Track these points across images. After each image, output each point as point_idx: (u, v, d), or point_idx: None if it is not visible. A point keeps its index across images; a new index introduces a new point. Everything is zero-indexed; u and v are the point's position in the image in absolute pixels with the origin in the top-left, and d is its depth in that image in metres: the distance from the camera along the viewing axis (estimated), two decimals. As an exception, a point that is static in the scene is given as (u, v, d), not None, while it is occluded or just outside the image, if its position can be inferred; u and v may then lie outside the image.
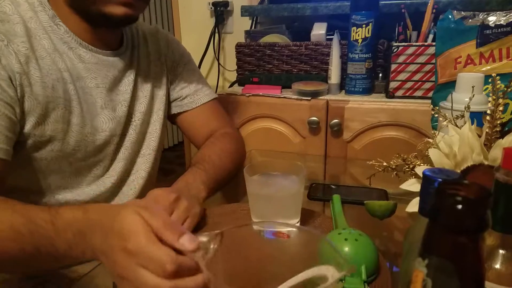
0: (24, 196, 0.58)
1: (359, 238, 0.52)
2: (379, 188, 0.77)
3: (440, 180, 0.37)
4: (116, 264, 0.46)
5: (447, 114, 0.63)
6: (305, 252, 0.41)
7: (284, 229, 0.43)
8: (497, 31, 0.86)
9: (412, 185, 0.58)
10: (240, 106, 1.27)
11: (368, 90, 1.21)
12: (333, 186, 0.84)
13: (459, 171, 0.54)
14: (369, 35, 1.15)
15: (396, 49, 1.11)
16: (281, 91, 1.26)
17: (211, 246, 0.40)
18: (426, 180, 0.39)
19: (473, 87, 0.65)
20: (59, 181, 0.74)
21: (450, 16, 0.89)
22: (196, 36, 1.74)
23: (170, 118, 0.97)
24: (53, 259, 0.52)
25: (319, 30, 1.32)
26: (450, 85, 0.85)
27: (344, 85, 1.24)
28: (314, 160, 1.18)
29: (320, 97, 1.20)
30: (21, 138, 0.67)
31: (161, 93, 0.89)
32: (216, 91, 1.26)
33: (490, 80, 0.59)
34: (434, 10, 1.09)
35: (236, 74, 1.42)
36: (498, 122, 0.57)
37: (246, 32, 1.48)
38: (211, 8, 1.68)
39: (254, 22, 1.63)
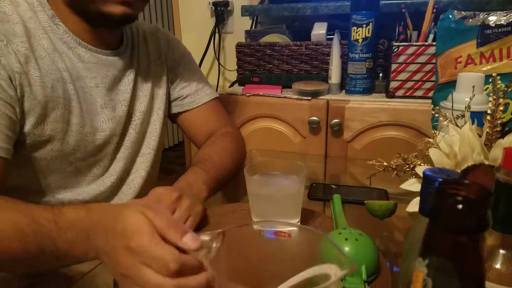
0: (24, 196, 0.58)
1: (360, 238, 0.52)
2: (380, 188, 0.77)
3: (440, 180, 0.37)
4: (119, 263, 0.46)
5: (447, 114, 0.63)
6: (306, 251, 0.41)
7: (286, 228, 0.43)
8: (497, 31, 0.86)
9: (413, 185, 0.58)
10: (240, 106, 1.27)
11: (368, 90, 1.21)
12: (333, 186, 0.84)
13: (459, 171, 0.54)
14: (370, 35, 1.15)
15: (397, 49, 1.11)
16: (281, 91, 1.26)
17: (214, 245, 0.40)
18: (426, 180, 0.39)
19: (473, 87, 0.65)
20: (59, 180, 0.74)
21: (450, 16, 0.89)
22: (196, 36, 1.74)
23: (171, 117, 0.97)
24: (55, 259, 0.52)
25: (319, 30, 1.32)
26: (451, 85, 0.85)
27: (344, 85, 1.24)
28: (314, 160, 1.18)
29: (321, 97, 1.20)
30: (21, 138, 0.67)
31: (161, 92, 0.89)
32: (216, 91, 1.26)
33: (490, 80, 0.59)
34: (434, 10, 1.09)
35: (237, 74, 1.42)
36: (499, 122, 0.57)
37: (247, 32, 1.48)
38: (212, 8, 1.68)
39: (254, 22, 1.63)
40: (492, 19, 0.86)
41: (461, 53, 0.88)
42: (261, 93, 1.25)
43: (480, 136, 0.55)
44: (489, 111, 0.57)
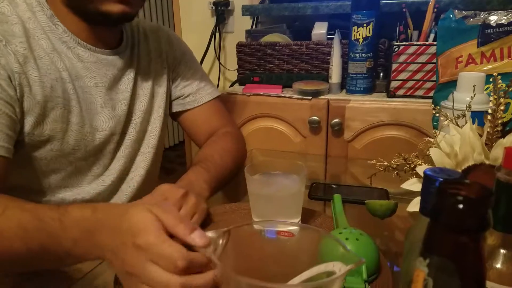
0: (25, 196, 0.58)
1: (360, 238, 0.52)
2: (380, 188, 0.77)
3: (441, 179, 0.37)
4: (125, 261, 0.46)
5: (448, 114, 0.63)
6: (310, 250, 0.41)
7: (289, 228, 0.43)
8: (498, 30, 0.86)
9: (413, 184, 0.58)
10: (240, 106, 1.27)
11: (369, 90, 1.21)
12: (334, 186, 0.84)
13: (460, 170, 0.54)
14: (370, 34, 1.15)
15: (397, 48, 1.11)
16: (282, 91, 1.26)
17: (220, 242, 0.40)
18: (427, 180, 0.39)
19: (474, 86, 0.65)
20: (59, 180, 0.74)
21: (451, 16, 0.89)
22: (197, 35, 1.74)
23: (172, 115, 0.97)
24: (57, 258, 0.52)
25: (320, 30, 1.32)
26: (451, 84, 0.85)
27: (345, 85, 1.24)
28: (315, 160, 1.18)
29: (321, 97, 1.20)
30: (20, 138, 0.67)
31: (161, 91, 0.89)
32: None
33: (491, 80, 0.59)
34: (435, 10, 1.09)
35: (237, 74, 1.42)
36: (499, 121, 0.56)
37: (247, 31, 1.48)
38: (212, 7, 1.68)
39: (255, 21, 1.63)
40: (493, 18, 0.86)
41: (462, 52, 0.88)
42: (261, 93, 1.25)
43: (480, 135, 0.55)
44: (489, 111, 0.57)
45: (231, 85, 1.53)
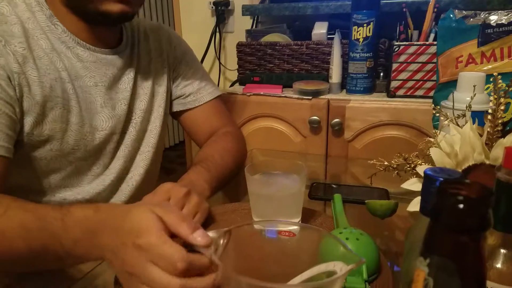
0: (25, 196, 0.58)
1: (360, 238, 0.52)
2: (380, 188, 0.77)
3: (441, 179, 0.37)
4: (125, 261, 0.46)
5: (448, 114, 0.63)
6: (311, 249, 0.41)
7: (289, 228, 0.43)
8: (498, 30, 0.86)
9: (413, 184, 0.58)
10: (241, 106, 1.27)
11: (369, 90, 1.21)
12: (334, 186, 0.84)
13: (460, 170, 0.54)
14: (370, 34, 1.15)
15: (397, 48, 1.11)
16: (282, 91, 1.26)
17: (221, 242, 0.40)
18: (427, 180, 0.39)
19: (474, 86, 0.65)
20: (59, 180, 0.75)
21: (451, 15, 0.89)
22: (197, 35, 1.74)
23: (173, 115, 0.97)
24: (58, 258, 0.52)
25: (320, 29, 1.32)
26: (452, 84, 0.85)
27: (345, 85, 1.24)
28: (315, 160, 1.18)
29: (321, 97, 1.20)
30: (20, 138, 0.67)
31: (161, 90, 0.89)
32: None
33: (491, 79, 0.59)
34: (435, 9, 1.09)
35: (237, 74, 1.42)
36: (500, 121, 0.56)
37: (247, 31, 1.48)
38: (212, 7, 1.68)
39: (255, 21, 1.63)
40: (493, 18, 0.86)
41: (462, 52, 0.88)
42: (261, 93, 1.25)
43: (481, 135, 0.55)
44: (490, 111, 0.57)
45: (231, 85, 1.53)
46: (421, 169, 0.56)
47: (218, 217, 0.69)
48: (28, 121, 0.66)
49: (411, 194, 0.56)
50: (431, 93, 1.04)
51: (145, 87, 0.85)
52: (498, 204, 0.34)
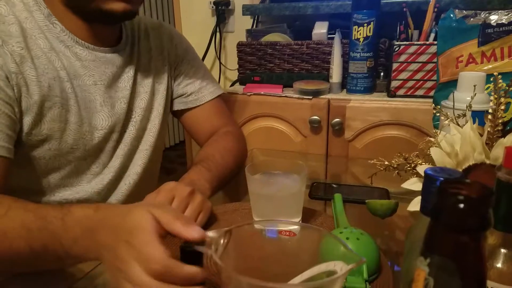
0: (24, 196, 0.58)
1: (361, 237, 0.52)
2: (381, 187, 0.77)
3: (442, 179, 0.37)
4: (117, 257, 0.46)
5: (448, 113, 0.63)
6: (311, 249, 0.41)
7: (290, 227, 0.43)
8: (498, 30, 0.86)
9: (414, 184, 0.58)
10: (241, 105, 1.27)
11: (369, 89, 1.21)
12: (334, 185, 0.84)
13: (460, 170, 0.54)
14: (371, 34, 1.15)
15: (398, 48, 1.11)
16: (282, 90, 1.26)
17: (221, 242, 0.40)
18: (427, 179, 0.39)
19: (474, 86, 0.65)
20: (59, 180, 0.75)
21: (451, 15, 0.89)
22: (197, 35, 1.74)
23: (174, 113, 0.97)
24: (57, 258, 0.52)
25: (320, 29, 1.32)
26: (452, 84, 0.85)
27: (345, 84, 1.24)
28: (315, 159, 1.18)
29: (322, 96, 1.20)
30: (18, 137, 0.67)
31: (162, 88, 0.89)
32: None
33: (492, 79, 0.59)
34: (435, 9, 1.09)
35: (238, 73, 1.42)
36: (500, 121, 0.56)
37: (248, 31, 1.48)
38: (213, 7, 1.68)
39: (255, 21, 1.63)
40: (494, 18, 0.86)
41: (462, 52, 0.88)
42: (262, 92, 1.25)
43: (481, 135, 0.55)
44: (490, 110, 0.57)
45: (232, 85, 1.53)
46: (421, 168, 0.56)
47: (219, 217, 0.69)
48: (27, 121, 0.66)
49: (412, 193, 0.56)
50: (432, 93, 1.04)
51: (145, 85, 0.85)
52: (498, 203, 0.34)
